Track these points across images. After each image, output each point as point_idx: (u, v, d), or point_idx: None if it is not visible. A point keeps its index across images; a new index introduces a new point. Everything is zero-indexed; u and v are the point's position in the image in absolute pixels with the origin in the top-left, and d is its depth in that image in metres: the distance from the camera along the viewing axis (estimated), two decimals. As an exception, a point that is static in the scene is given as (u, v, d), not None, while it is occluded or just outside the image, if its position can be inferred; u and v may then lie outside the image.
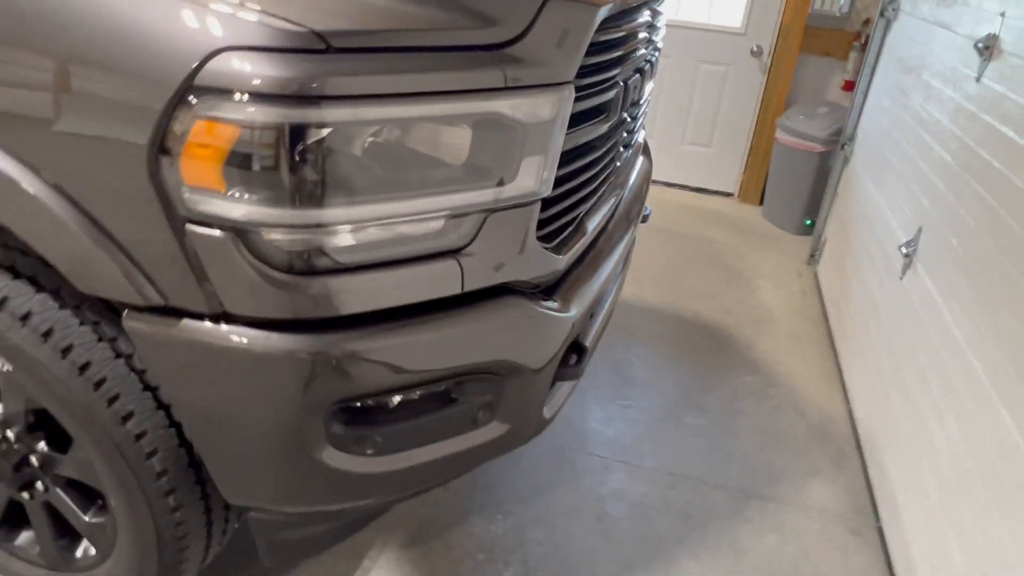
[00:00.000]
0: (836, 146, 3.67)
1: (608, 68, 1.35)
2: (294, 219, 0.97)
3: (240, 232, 0.98)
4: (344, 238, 1.02)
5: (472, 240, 1.14)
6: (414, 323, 1.14)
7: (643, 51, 1.62)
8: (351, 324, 1.09)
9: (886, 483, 2.07)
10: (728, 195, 4.61)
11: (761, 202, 4.44)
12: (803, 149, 3.91)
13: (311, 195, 0.96)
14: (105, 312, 1.23)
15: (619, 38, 1.39)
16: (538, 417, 1.42)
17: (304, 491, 1.21)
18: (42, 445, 1.36)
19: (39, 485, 1.40)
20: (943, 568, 1.61)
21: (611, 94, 1.38)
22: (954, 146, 2.09)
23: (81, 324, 1.21)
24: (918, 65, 2.64)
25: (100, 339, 1.21)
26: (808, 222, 3.99)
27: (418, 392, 1.21)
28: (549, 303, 1.31)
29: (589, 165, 1.41)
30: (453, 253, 1.14)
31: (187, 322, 1.06)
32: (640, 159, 2.09)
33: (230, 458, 1.18)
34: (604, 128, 1.41)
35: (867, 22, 3.99)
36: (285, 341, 1.06)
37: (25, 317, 1.18)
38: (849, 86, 4.10)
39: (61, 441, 1.37)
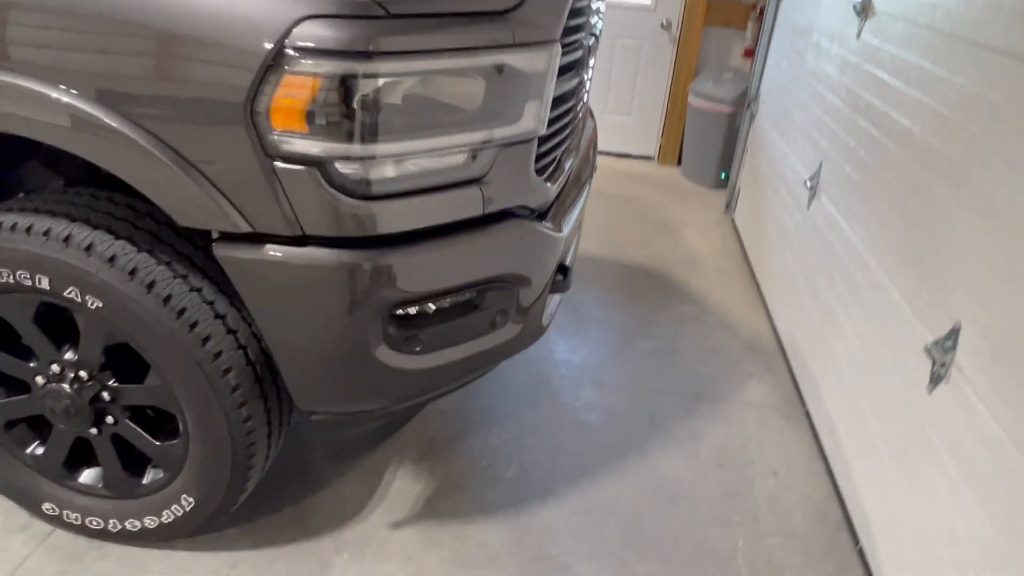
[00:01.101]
0: (743, 106, 4.12)
1: (577, 31, 1.65)
2: (363, 152, 1.23)
3: (319, 165, 1.23)
4: (398, 167, 1.28)
5: (489, 171, 1.43)
6: (448, 240, 1.41)
7: (596, 19, 1.93)
8: (403, 241, 1.35)
9: (808, 375, 2.49)
10: (649, 158, 5.03)
11: (679, 162, 4.88)
12: (714, 111, 4.35)
13: (375, 131, 1.22)
14: (173, 254, 1.45)
15: (584, 6, 1.70)
16: (539, 323, 1.72)
17: (365, 390, 1.47)
18: (113, 382, 1.55)
19: (108, 419, 1.59)
20: (860, 430, 2.02)
21: (579, 53, 1.69)
22: (843, 92, 2.51)
23: (158, 264, 1.41)
24: (808, 28, 3.08)
25: (175, 276, 1.43)
26: (723, 175, 4.44)
27: (450, 300, 1.49)
28: (547, 224, 1.60)
29: (565, 113, 1.71)
30: (476, 181, 1.42)
31: (271, 246, 1.30)
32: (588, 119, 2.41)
33: (305, 366, 1.42)
34: (574, 83, 1.71)
35: (760, -5, 4.46)
36: (354, 256, 1.31)
37: (111, 259, 1.38)
38: (749, 53, 4.57)
39: (131, 374, 1.57)
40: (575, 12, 1.63)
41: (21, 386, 1.64)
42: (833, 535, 1.98)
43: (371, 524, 1.87)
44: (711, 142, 4.45)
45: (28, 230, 1.38)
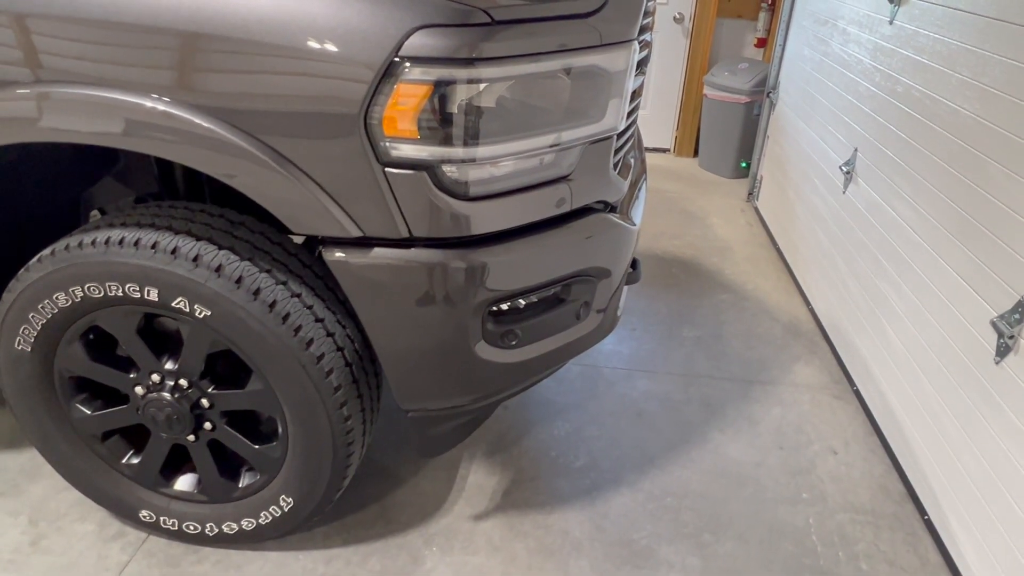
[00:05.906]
0: (760, 96, 4.17)
1: (645, 31, 1.70)
2: (467, 155, 1.28)
3: (428, 169, 1.27)
4: (502, 167, 1.33)
5: (575, 168, 1.47)
6: (541, 236, 1.46)
7: (651, 18, 1.98)
8: (500, 239, 1.40)
9: (856, 356, 2.54)
10: (665, 151, 5.09)
11: (695, 154, 4.93)
12: (730, 101, 4.40)
13: (480, 134, 1.27)
14: (272, 261, 1.49)
15: (652, 5, 1.75)
16: (615, 314, 1.77)
17: (463, 385, 1.52)
18: (212, 389, 1.60)
19: (207, 425, 1.64)
20: (919, 404, 2.08)
21: (647, 51, 1.74)
22: (877, 78, 2.57)
23: (260, 272, 1.46)
24: (832, 16, 3.13)
25: (276, 283, 1.47)
26: (744, 164, 4.50)
27: (541, 294, 1.54)
28: (623, 217, 1.66)
29: (634, 109, 1.76)
30: (564, 179, 1.47)
31: (379, 249, 1.34)
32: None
33: (410, 364, 1.46)
34: (642, 80, 1.76)
35: (771, -15, 4.52)
36: (457, 256, 1.36)
37: (218, 269, 1.43)
38: (761, 43, 4.63)
39: (230, 381, 1.61)
40: (646, 12, 1.68)
41: (117, 397, 1.68)
42: (899, 507, 2.04)
43: (454, 518, 1.92)
44: (729, 132, 4.50)
45: (136, 244, 1.43)
